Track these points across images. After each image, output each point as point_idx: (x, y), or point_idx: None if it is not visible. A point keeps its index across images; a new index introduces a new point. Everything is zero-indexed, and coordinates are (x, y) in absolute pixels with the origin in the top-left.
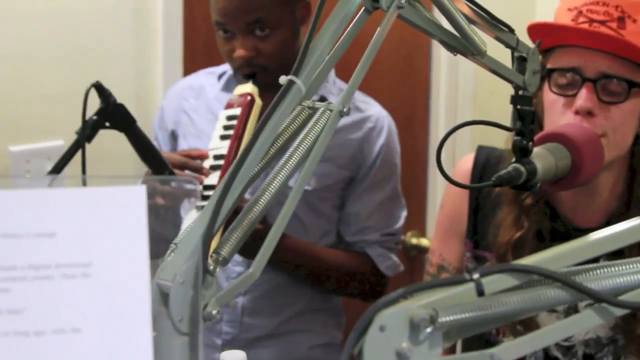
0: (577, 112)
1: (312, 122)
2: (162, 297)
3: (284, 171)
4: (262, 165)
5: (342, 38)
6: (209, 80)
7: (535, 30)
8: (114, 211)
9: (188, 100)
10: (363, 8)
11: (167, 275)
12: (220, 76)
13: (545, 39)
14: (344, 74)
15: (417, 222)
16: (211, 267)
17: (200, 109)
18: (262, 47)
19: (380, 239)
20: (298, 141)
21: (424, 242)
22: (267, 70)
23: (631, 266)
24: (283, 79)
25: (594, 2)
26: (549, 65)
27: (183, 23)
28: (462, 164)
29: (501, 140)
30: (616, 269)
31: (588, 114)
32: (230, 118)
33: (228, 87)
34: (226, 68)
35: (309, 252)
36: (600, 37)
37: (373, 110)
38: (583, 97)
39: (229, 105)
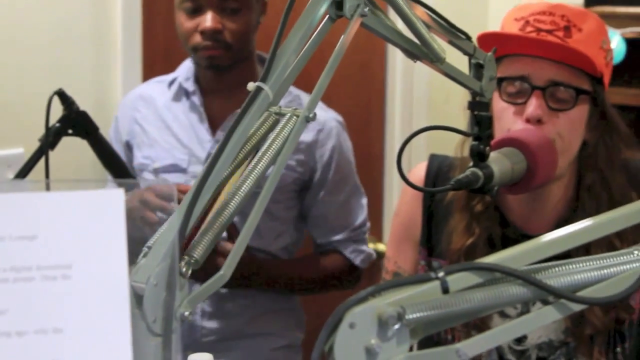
0: (527, 120)
1: (279, 128)
2: (136, 299)
3: (252, 175)
4: (231, 169)
5: (307, 45)
6: (159, 88)
7: (485, 40)
8: (93, 214)
9: (139, 110)
10: (327, 16)
11: (141, 277)
12: (170, 84)
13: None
14: (299, 80)
15: (373, 228)
16: (183, 270)
17: (151, 118)
18: (230, 25)
19: (350, 235)
20: (266, 146)
21: (381, 247)
22: (230, 50)
23: (587, 264)
24: (251, 86)
25: (541, 12)
26: (498, 75)
27: (142, 31)
28: (415, 172)
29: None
30: (572, 266)
31: (538, 121)
32: None
33: (178, 97)
34: (177, 74)
35: (282, 270)
36: (548, 45)
37: (320, 112)
38: (533, 105)
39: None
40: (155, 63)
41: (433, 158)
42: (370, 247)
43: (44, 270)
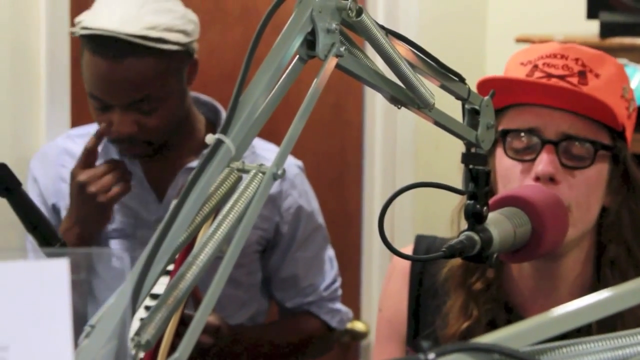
0: (537, 179)
1: (242, 186)
2: None
3: (212, 242)
4: (188, 234)
5: (274, 91)
6: (85, 144)
7: (486, 86)
8: (33, 288)
9: (66, 167)
10: (297, 57)
11: None
12: None
13: (497, 97)
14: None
15: (350, 303)
16: (132, 352)
17: None
18: (147, 122)
19: (324, 294)
20: (227, 208)
21: (359, 326)
22: (152, 145)
23: (599, 344)
24: (210, 138)
25: (551, 54)
26: (502, 127)
27: (70, 64)
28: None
29: (448, 205)
30: (583, 347)
31: (550, 180)
32: None
33: (107, 154)
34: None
35: (262, 335)
36: (560, 93)
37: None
38: (544, 162)
39: None
40: (87, 106)
41: (420, 240)
42: (347, 326)
43: None
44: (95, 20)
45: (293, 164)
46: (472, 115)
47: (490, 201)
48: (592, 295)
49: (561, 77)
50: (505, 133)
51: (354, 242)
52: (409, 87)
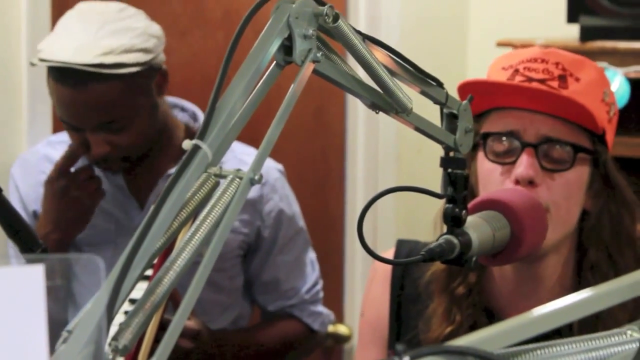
0: (517, 182)
1: (219, 192)
2: None
3: (189, 247)
4: (164, 240)
5: (251, 96)
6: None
7: (467, 89)
8: (8, 294)
9: (46, 173)
10: (274, 62)
11: None
12: None
13: (479, 101)
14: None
15: (332, 307)
16: (110, 358)
17: None
18: (119, 141)
19: (306, 297)
20: (205, 213)
21: (342, 329)
22: (128, 160)
23: (573, 346)
24: (187, 144)
25: (532, 59)
26: (483, 130)
27: None
28: (380, 263)
29: (430, 209)
30: (558, 349)
31: (529, 183)
32: None
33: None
34: None
35: (238, 342)
36: (540, 96)
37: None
38: (524, 164)
39: None
40: None
41: (401, 244)
42: (329, 329)
43: None
44: (52, 51)
45: (274, 168)
46: (451, 120)
47: (469, 205)
48: (567, 297)
49: (541, 81)
50: (486, 136)
51: (336, 245)
52: (386, 92)
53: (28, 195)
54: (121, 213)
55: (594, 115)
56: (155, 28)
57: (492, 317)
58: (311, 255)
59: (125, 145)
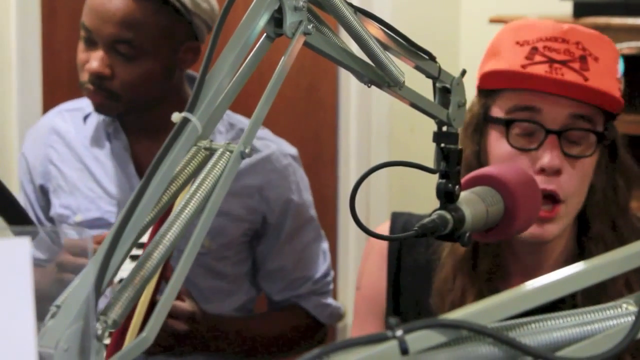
0: (542, 170)
1: (209, 165)
2: None
3: (178, 221)
4: (154, 214)
5: (241, 69)
6: (73, 122)
7: (490, 78)
8: None
9: (54, 148)
10: (264, 35)
11: (49, 341)
12: (86, 117)
13: (495, 80)
14: (239, 107)
15: None
16: (99, 332)
17: (68, 158)
18: (121, 72)
19: (313, 288)
20: (194, 187)
21: None
22: (118, 101)
23: (568, 319)
24: (176, 117)
25: (552, 37)
26: (498, 108)
27: (41, 49)
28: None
29: (423, 186)
30: (552, 322)
31: (555, 172)
32: None
33: (98, 137)
34: (91, 107)
35: (238, 329)
36: (566, 85)
37: (272, 147)
38: (551, 155)
39: None
40: (58, 89)
41: (396, 217)
42: None
43: None
44: None
45: (286, 153)
46: (443, 94)
47: (462, 180)
48: (561, 270)
49: (563, 63)
50: (509, 122)
51: (329, 223)
52: (378, 65)
53: (35, 168)
54: (123, 194)
55: (615, 98)
56: (215, 2)
57: (497, 288)
58: (324, 245)
59: (123, 78)
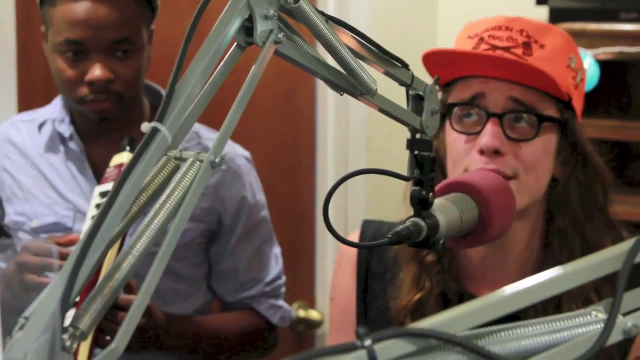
0: (482, 152)
1: (179, 175)
2: None
3: (148, 232)
4: (123, 225)
5: (212, 78)
6: (30, 132)
7: (431, 59)
8: None
9: (9, 158)
10: (235, 44)
11: (17, 354)
12: (41, 126)
13: (444, 70)
14: (207, 117)
15: (304, 292)
16: (68, 344)
17: (24, 168)
18: (122, 71)
19: (265, 290)
20: (164, 197)
21: (314, 315)
22: (122, 101)
23: (537, 327)
24: (145, 127)
25: (496, 27)
26: (450, 101)
27: (17, 53)
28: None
29: (401, 192)
30: (521, 331)
31: (495, 153)
32: (105, 195)
33: (53, 144)
34: (47, 115)
35: (191, 327)
36: (504, 64)
37: (226, 149)
38: (488, 135)
39: (104, 180)
40: (35, 96)
41: (367, 225)
42: (302, 315)
43: None
44: None
45: (240, 155)
46: (417, 102)
47: (437, 187)
48: (533, 278)
49: (506, 49)
50: (451, 107)
51: (307, 231)
52: (350, 74)
53: None
54: (81, 199)
55: (557, 82)
56: None
57: (460, 285)
58: (276, 250)
59: (126, 77)
